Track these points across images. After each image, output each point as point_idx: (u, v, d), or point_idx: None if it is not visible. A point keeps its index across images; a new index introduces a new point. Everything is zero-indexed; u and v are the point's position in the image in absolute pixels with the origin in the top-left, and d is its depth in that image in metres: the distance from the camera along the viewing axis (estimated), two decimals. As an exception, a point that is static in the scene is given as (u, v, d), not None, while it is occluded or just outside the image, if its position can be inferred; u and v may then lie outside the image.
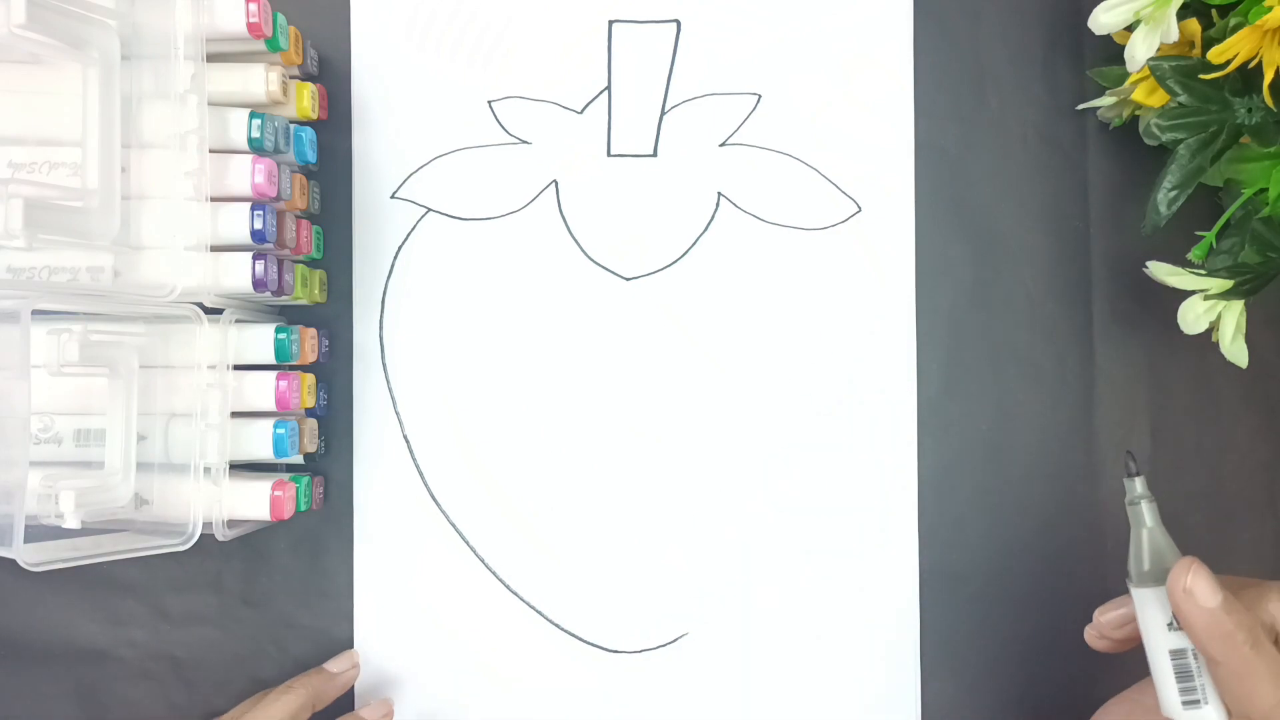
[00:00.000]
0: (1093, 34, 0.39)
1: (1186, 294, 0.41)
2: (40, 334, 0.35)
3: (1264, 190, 0.41)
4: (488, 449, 0.46)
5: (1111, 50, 0.43)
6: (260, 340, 0.41)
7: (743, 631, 0.46)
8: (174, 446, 0.40)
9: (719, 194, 0.46)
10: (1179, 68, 0.39)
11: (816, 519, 0.46)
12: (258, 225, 0.39)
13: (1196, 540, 0.46)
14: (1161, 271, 0.41)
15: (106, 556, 0.37)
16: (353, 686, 0.45)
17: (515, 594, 0.46)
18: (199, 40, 0.37)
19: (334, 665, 0.44)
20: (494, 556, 0.46)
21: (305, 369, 0.43)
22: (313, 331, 0.43)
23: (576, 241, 0.46)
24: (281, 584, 0.45)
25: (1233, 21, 0.38)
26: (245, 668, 0.43)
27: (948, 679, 0.46)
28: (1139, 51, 0.39)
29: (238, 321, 0.41)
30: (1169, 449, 0.46)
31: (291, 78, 0.42)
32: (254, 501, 0.40)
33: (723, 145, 0.47)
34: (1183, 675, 0.35)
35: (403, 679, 0.46)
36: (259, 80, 0.40)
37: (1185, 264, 0.42)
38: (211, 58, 0.38)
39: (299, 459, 0.43)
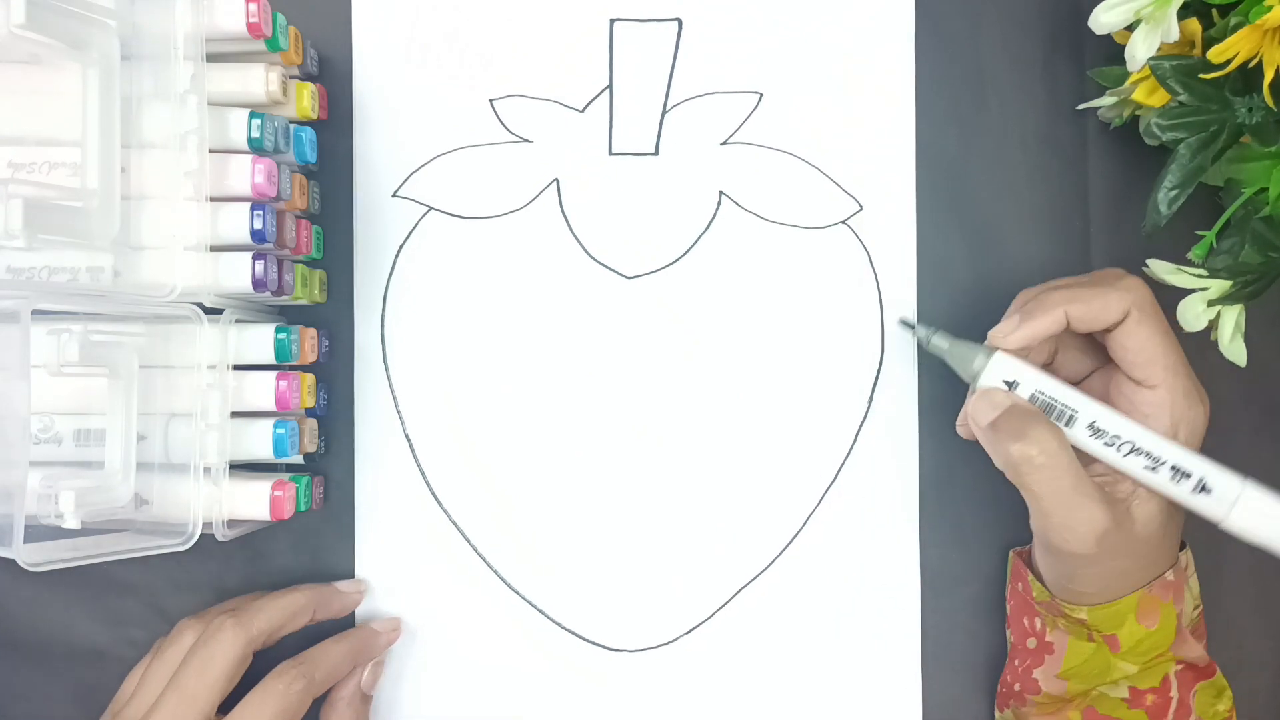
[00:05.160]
0: (1093, 34, 0.39)
1: (1186, 292, 0.41)
2: (40, 334, 0.35)
3: (1264, 190, 0.41)
4: (489, 448, 0.46)
5: (1111, 50, 0.43)
6: (260, 340, 0.41)
7: (743, 631, 0.46)
8: (174, 446, 0.40)
9: (720, 193, 0.46)
10: (1179, 67, 0.39)
11: (817, 518, 0.46)
12: (258, 225, 0.39)
13: (1196, 540, 0.46)
14: (1161, 269, 0.41)
15: (106, 556, 0.37)
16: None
17: (516, 592, 0.46)
18: (199, 40, 0.37)
19: (343, 585, 0.45)
20: (495, 555, 0.46)
21: (305, 369, 0.43)
22: (313, 331, 0.43)
23: (578, 240, 0.46)
24: (281, 584, 0.45)
25: (1233, 21, 0.38)
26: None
27: (948, 679, 0.46)
28: (1139, 51, 0.39)
29: (238, 321, 0.41)
30: (1169, 449, 0.46)
31: (291, 78, 0.42)
32: (254, 501, 0.40)
33: (724, 144, 0.47)
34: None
35: (404, 677, 0.46)
36: (259, 80, 0.39)
37: (1186, 264, 0.42)
38: (211, 58, 0.38)
39: (299, 459, 0.43)
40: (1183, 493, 0.36)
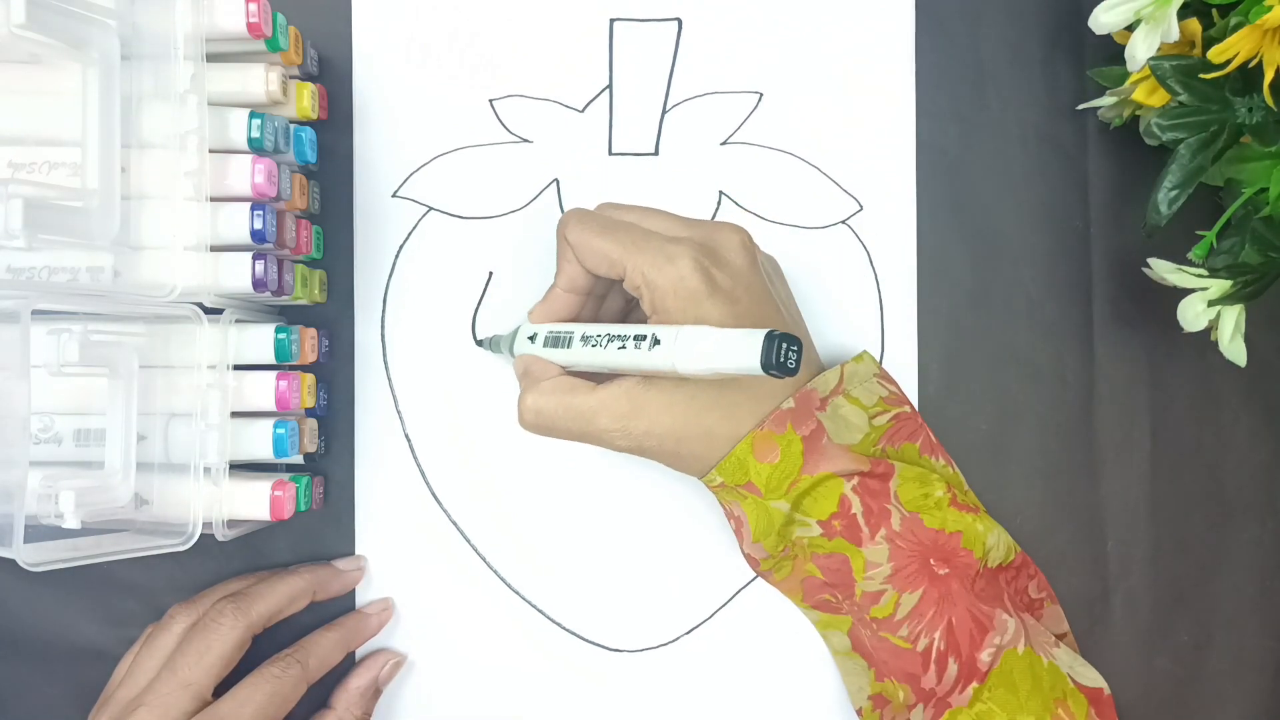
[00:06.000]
0: (1093, 34, 0.39)
1: (1186, 292, 0.41)
2: (40, 334, 0.35)
3: (1264, 190, 0.41)
4: (489, 447, 0.46)
5: (1111, 50, 0.43)
6: (260, 340, 0.41)
7: (744, 630, 0.46)
8: (174, 446, 0.40)
9: (720, 193, 0.46)
10: (1179, 67, 0.39)
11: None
12: (258, 225, 0.39)
13: (1196, 540, 0.46)
14: (1162, 269, 0.41)
15: (106, 556, 0.37)
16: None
17: (516, 592, 0.46)
18: (199, 40, 0.37)
19: (341, 563, 0.45)
20: (495, 555, 0.46)
21: (305, 369, 0.43)
22: (313, 331, 0.43)
23: (577, 241, 0.46)
24: (282, 584, 0.45)
25: (1233, 21, 0.38)
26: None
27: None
28: (1139, 51, 0.39)
29: (238, 321, 0.41)
30: (1169, 449, 0.46)
31: (291, 78, 0.42)
32: (254, 501, 0.40)
33: (724, 144, 0.47)
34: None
35: (404, 676, 0.46)
36: (259, 80, 0.39)
37: (1186, 264, 0.42)
38: (211, 58, 0.38)
39: (299, 459, 0.43)
40: (645, 354, 0.37)
